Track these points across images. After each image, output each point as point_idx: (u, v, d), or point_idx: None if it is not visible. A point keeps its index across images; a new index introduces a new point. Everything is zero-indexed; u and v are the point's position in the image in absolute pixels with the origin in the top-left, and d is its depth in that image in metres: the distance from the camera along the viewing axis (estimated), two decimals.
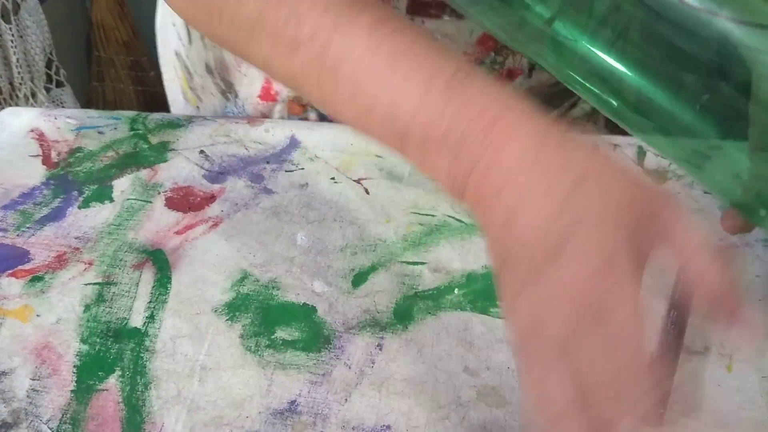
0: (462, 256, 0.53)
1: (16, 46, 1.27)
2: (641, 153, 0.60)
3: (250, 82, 0.66)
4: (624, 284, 0.28)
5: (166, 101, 0.78)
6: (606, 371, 0.27)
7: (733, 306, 0.29)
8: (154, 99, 1.74)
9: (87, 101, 1.79)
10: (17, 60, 1.28)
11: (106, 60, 1.77)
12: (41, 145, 0.60)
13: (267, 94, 0.66)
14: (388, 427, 0.43)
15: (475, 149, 0.30)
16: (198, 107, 0.72)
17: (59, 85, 1.51)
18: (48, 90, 1.48)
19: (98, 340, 0.46)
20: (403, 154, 0.33)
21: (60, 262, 0.51)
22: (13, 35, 1.26)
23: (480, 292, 0.50)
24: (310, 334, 0.47)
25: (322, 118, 0.66)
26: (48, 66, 1.49)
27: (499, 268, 0.31)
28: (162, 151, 0.60)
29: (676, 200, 0.30)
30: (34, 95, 1.39)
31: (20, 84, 1.35)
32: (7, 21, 1.24)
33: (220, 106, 0.68)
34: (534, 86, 0.62)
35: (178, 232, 0.53)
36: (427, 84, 0.31)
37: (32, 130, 0.61)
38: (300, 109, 0.66)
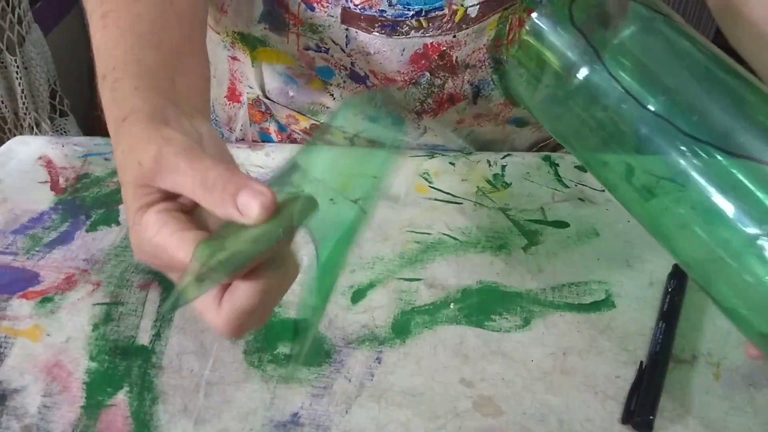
0: (457, 272, 0.54)
1: (20, 78, 1.30)
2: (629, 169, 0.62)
3: (218, 84, 0.69)
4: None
5: None
6: None
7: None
8: None
9: (90, 129, 1.82)
10: (22, 91, 1.30)
11: None
12: (49, 172, 0.62)
13: (233, 95, 0.69)
14: None
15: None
16: None
17: (63, 114, 1.54)
18: (52, 120, 1.50)
19: (107, 357, 0.48)
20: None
21: (69, 283, 0.52)
22: (18, 67, 1.29)
23: (475, 307, 0.52)
24: (310, 349, 0.49)
25: (281, 128, 0.68)
26: (52, 96, 1.52)
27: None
28: None
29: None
30: (38, 125, 1.42)
31: (25, 114, 1.37)
32: (12, 53, 1.28)
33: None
34: (484, 114, 0.64)
35: None
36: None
37: (40, 158, 0.63)
38: (260, 117, 0.68)
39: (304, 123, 0.68)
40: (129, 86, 0.38)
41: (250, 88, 0.67)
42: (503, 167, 0.64)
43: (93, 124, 1.83)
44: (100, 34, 0.42)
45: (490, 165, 0.64)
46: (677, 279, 0.52)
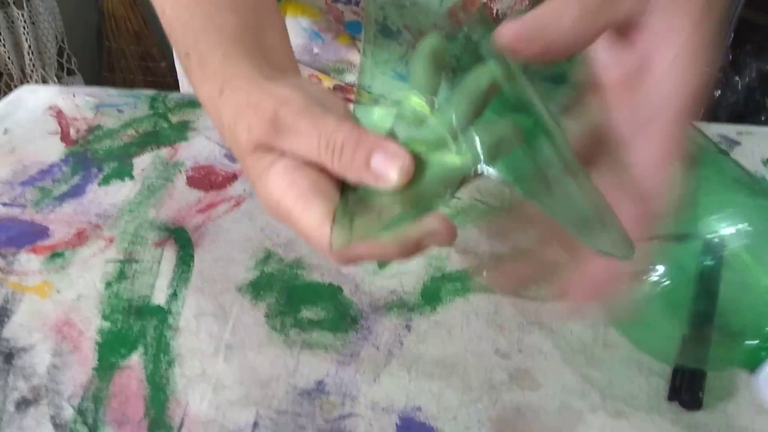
0: (489, 239, 0.51)
1: (28, 33, 1.27)
2: None
3: None
4: None
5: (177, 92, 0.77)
6: None
7: None
8: (165, 90, 1.73)
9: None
10: (29, 46, 1.27)
11: (116, 50, 1.76)
12: (60, 123, 0.59)
13: None
14: (419, 408, 0.41)
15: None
16: None
17: (70, 73, 1.50)
18: (59, 78, 1.47)
19: (120, 317, 0.45)
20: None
21: (80, 238, 0.50)
22: (25, 21, 1.25)
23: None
24: (336, 314, 0.46)
25: None
26: (59, 54, 1.48)
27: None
28: (182, 130, 0.58)
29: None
30: (45, 82, 1.38)
31: (32, 71, 1.34)
32: (20, 7, 1.24)
33: None
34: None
35: (200, 211, 0.52)
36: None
37: (50, 108, 0.60)
38: None
39: (327, 83, 0.64)
40: (217, 57, 0.35)
41: None
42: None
43: (101, 84, 1.80)
44: (170, 8, 0.38)
45: None
46: (712, 252, 0.49)
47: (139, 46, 1.75)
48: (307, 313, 0.46)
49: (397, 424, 0.41)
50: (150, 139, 0.57)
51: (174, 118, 0.59)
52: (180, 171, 0.55)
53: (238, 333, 0.45)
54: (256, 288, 0.47)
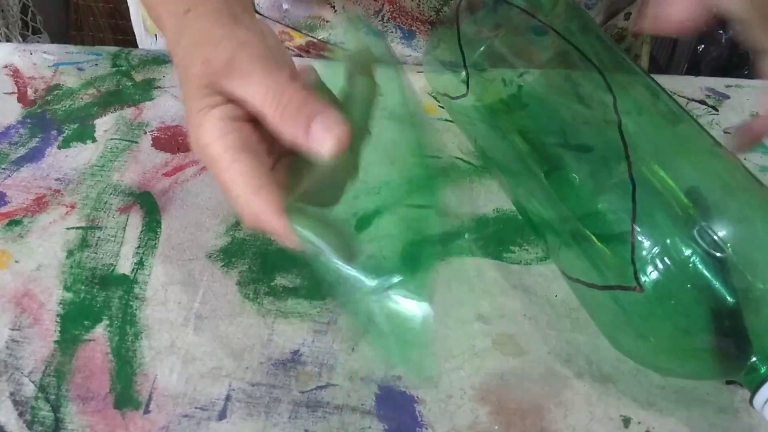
0: (471, 200, 0.49)
1: None
2: None
3: None
4: None
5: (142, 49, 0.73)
6: None
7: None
8: (134, 48, 1.68)
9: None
10: None
11: (84, 7, 1.70)
12: (16, 82, 0.56)
13: None
14: (399, 377, 0.40)
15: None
16: (156, 35, 0.67)
17: (36, 32, 1.44)
18: (24, 37, 1.41)
19: (83, 287, 0.43)
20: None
21: (39, 205, 0.47)
22: None
23: (491, 237, 0.47)
24: (312, 280, 0.44)
25: None
26: (23, 12, 1.42)
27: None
28: (147, 89, 0.55)
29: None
30: (9, 41, 1.33)
31: None
32: None
33: None
34: (503, 22, 0.57)
35: (166, 174, 0.49)
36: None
37: (6, 66, 0.57)
38: None
39: (299, 40, 0.61)
40: None
41: None
42: (520, 87, 0.58)
43: (68, 42, 1.74)
44: None
45: (505, 84, 0.58)
46: (701, 207, 0.47)
47: (108, 3, 1.69)
48: (281, 280, 0.44)
49: (376, 394, 0.39)
50: (113, 99, 0.54)
51: (138, 76, 0.56)
52: (145, 132, 0.52)
53: (208, 302, 0.42)
54: (228, 254, 0.45)
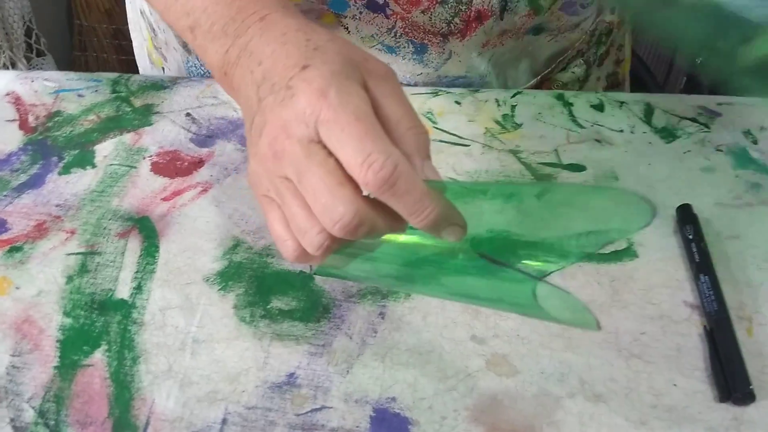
0: (465, 220, 0.50)
1: None
2: (649, 109, 0.58)
3: None
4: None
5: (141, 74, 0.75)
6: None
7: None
8: (137, 68, 1.69)
9: (70, 70, 1.74)
10: None
11: (87, 29, 1.72)
12: (18, 109, 0.57)
13: None
14: (393, 399, 0.40)
15: (248, 35, 0.37)
16: (163, 68, 0.69)
17: (40, 54, 1.46)
18: (28, 59, 1.43)
19: (82, 312, 0.43)
20: (192, 45, 0.41)
21: (40, 231, 0.48)
22: None
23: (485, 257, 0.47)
24: (307, 303, 0.45)
25: None
26: (28, 35, 1.44)
27: (248, 133, 0.36)
28: (146, 114, 0.56)
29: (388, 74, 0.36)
30: (14, 64, 1.34)
31: None
32: None
33: (183, 61, 0.65)
34: (509, 29, 0.58)
35: (165, 199, 0.50)
36: None
37: (8, 94, 0.58)
38: None
39: None
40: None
41: None
42: (513, 107, 0.58)
43: (72, 65, 1.75)
44: None
45: (498, 104, 0.59)
46: (692, 224, 0.48)
47: (111, 24, 1.71)
48: (277, 303, 0.45)
49: (371, 416, 0.40)
50: (112, 125, 0.55)
51: (137, 102, 0.57)
52: (144, 157, 0.53)
53: (205, 326, 0.43)
54: (224, 278, 0.45)
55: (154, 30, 0.66)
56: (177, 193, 0.50)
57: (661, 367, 0.41)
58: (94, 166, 0.52)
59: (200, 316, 0.44)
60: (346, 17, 0.56)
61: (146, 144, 0.54)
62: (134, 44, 0.73)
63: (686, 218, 0.48)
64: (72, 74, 0.60)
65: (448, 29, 0.57)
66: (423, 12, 0.55)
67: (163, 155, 0.53)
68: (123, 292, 0.45)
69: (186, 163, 0.52)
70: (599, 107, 0.58)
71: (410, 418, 0.39)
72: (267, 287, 0.45)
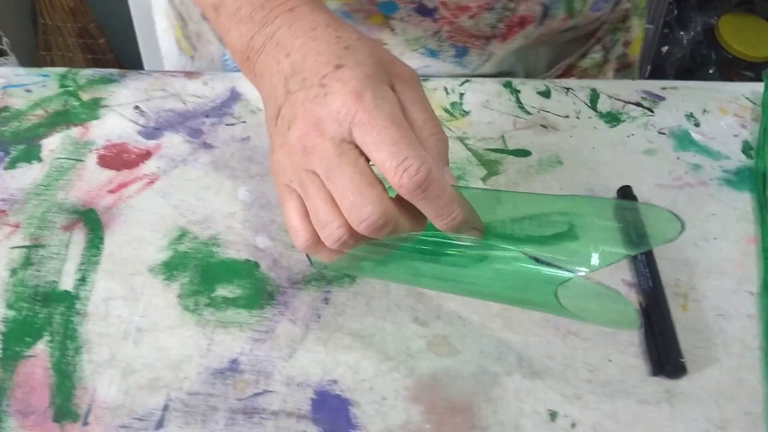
0: None
1: None
2: (594, 94, 0.59)
3: None
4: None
5: (118, 69, 0.74)
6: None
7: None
8: (106, 67, 1.68)
9: (19, 67, 1.72)
10: None
11: (52, 28, 1.70)
12: None
13: None
14: (335, 381, 0.41)
15: (275, 24, 0.37)
16: (192, 57, 0.69)
17: (2, 54, 1.45)
18: None
19: (25, 305, 0.43)
20: (214, 24, 0.41)
21: None
22: None
23: (429, 241, 0.48)
24: (252, 290, 0.45)
25: None
26: None
27: (270, 120, 0.37)
28: (94, 108, 0.56)
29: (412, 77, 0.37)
30: None
31: None
32: None
33: (218, 53, 0.65)
34: (545, 33, 0.60)
35: (111, 191, 0.50)
36: None
37: None
38: None
39: None
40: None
41: None
42: (461, 95, 0.59)
43: (38, 65, 1.74)
44: None
45: (447, 92, 0.59)
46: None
47: (76, 23, 1.69)
48: (222, 291, 0.45)
49: (312, 399, 0.40)
50: (60, 119, 0.55)
51: (85, 96, 0.57)
52: (91, 150, 0.53)
53: (149, 315, 0.43)
54: (169, 268, 0.46)
55: (183, 20, 0.66)
56: (123, 186, 0.50)
57: (597, 343, 0.42)
58: (40, 160, 0.52)
59: (144, 305, 0.44)
60: (394, 19, 0.57)
61: (93, 137, 0.54)
62: (157, 26, 0.73)
63: (625, 199, 0.49)
64: (20, 70, 0.60)
65: (491, 33, 0.58)
66: (470, 17, 0.56)
67: (111, 148, 0.53)
68: (67, 283, 0.45)
69: (133, 156, 0.53)
70: (546, 93, 0.59)
71: (351, 399, 0.40)
72: (212, 276, 0.45)
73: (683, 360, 0.40)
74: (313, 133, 0.34)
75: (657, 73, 1.66)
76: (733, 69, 1.52)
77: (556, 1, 0.57)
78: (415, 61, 0.60)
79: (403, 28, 0.58)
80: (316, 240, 0.36)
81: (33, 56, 1.72)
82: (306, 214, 0.36)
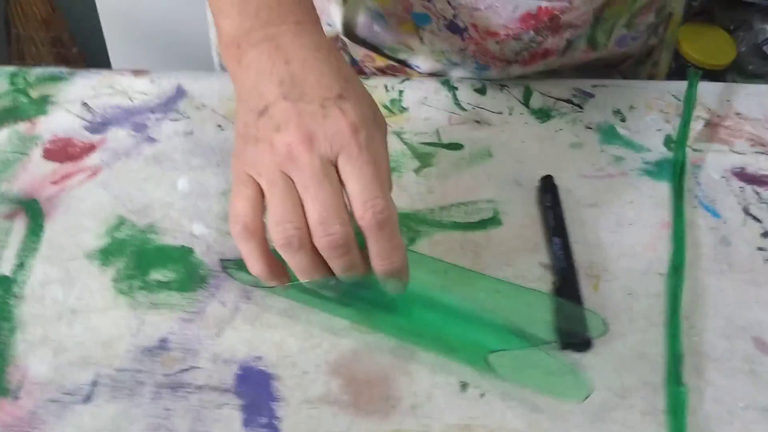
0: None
1: None
2: (528, 92, 0.61)
3: None
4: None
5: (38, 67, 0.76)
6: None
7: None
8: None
9: None
10: None
11: (25, 37, 1.71)
12: None
13: None
14: (260, 357, 0.43)
15: (280, 29, 0.40)
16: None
17: None
18: None
19: None
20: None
21: None
22: None
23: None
24: (185, 274, 0.47)
25: (353, 62, 0.65)
26: None
27: (247, 112, 0.39)
28: (42, 105, 0.58)
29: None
30: None
31: None
32: None
33: None
34: (566, 63, 0.63)
35: (54, 182, 0.52)
36: None
37: None
38: None
39: (381, 62, 0.65)
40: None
41: (329, 25, 0.64)
42: (401, 92, 0.62)
43: None
44: None
45: (387, 90, 0.62)
46: (551, 193, 0.51)
47: (49, 32, 1.71)
48: (156, 276, 0.47)
49: (236, 374, 0.42)
50: (8, 115, 0.57)
51: (34, 93, 0.59)
52: (37, 144, 0.55)
53: (83, 298, 0.45)
54: (106, 254, 0.48)
55: None
56: (66, 177, 0.52)
57: (511, 318, 0.44)
58: None
59: (79, 289, 0.46)
60: (425, 30, 0.59)
61: (40, 132, 0.56)
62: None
63: (546, 188, 0.52)
64: None
65: (514, 58, 0.60)
66: (497, 42, 0.58)
67: (56, 142, 0.55)
68: (5, 268, 0.46)
69: (77, 149, 0.54)
70: (481, 91, 0.62)
71: (274, 373, 0.42)
72: (147, 261, 0.47)
73: (589, 335, 0.43)
74: (303, 145, 0.36)
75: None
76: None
77: (579, 38, 0.60)
78: (436, 66, 0.63)
79: (431, 40, 0.61)
80: (252, 230, 0.38)
81: (6, 66, 1.73)
82: (256, 203, 0.38)
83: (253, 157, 0.38)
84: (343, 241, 0.36)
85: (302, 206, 0.36)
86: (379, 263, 0.38)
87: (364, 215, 0.36)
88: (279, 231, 0.37)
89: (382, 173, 0.37)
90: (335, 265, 0.38)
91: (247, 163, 0.38)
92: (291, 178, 0.37)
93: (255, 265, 0.39)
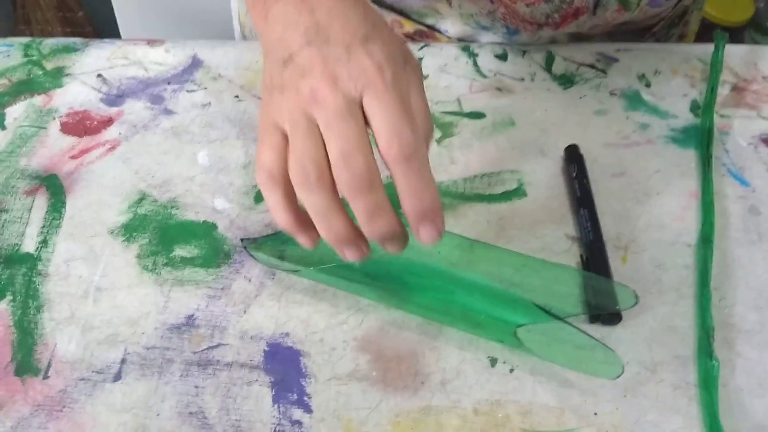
0: None
1: None
2: (550, 57, 0.60)
3: None
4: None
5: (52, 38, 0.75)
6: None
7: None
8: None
9: None
10: None
11: (31, 2, 1.69)
12: None
13: None
14: (287, 334, 0.43)
15: None
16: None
17: None
18: None
19: None
20: None
21: None
22: None
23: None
24: (209, 250, 0.47)
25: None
26: None
27: (275, 63, 0.38)
28: (57, 77, 0.57)
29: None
30: None
31: None
32: None
33: None
34: (598, 24, 0.61)
35: (73, 157, 0.51)
36: None
37: None
38: None
39: (409, 27, 0.63)
40: None
41: None
42: (420, 59, 0.60)
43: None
44: None
45: None
46: (576, 163, 0.50)
47: None
48: (180, 252, 0.46)
49: (264, 351, 0.42)
50: (23, 88, 0.56)
51: (49, 65, 0.58)
52: (54, 118, 0.54)
53: (108, 275, 0.45)
54: (129, 230, 0.47)
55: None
56: (85, 151, 0.52)
57: (539, 294, 0.44)
58: (3, 128, 0.53)
59: (103, 266, 0.45)
60: None
61: (56, 105, 0.55)
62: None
63: (572, 158, 0.51)
64: None
65: (545, 21, 0.59)
66: (527, 5, 0.57)
67: (73, 115, 0.54)
68: (29, 246, 0.46)
69: (95, 122, 0.54)
70: (503, 56, 0.60)
71: (302, 350, 0.42)
72: (170, 237, 0.47)
73: (619, 308, 0.42)
74: (328, 87, 0.35)
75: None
76: (709, 34, 1.53)
77: None
78: (465, 30, 0.61)
79: (460, 3, 0.59)
80: (278, 177, 0.36)
81: (11, 30, 1.71)
82: (281, 150, 0.36)
83: (279, 105, 0.37)
84: (367, 175, 0.34)
85: (324, 147, 0.35)
86: (408, 203, 0.35)
87: (389, 150, 0.34)
88: (297, 168, 0.35)
89: (412, 112, 0.35)
90: (358, 207, 0.35)
91: (272, 112, 0.37)
92: (315, 121, 0.35)
93: (280, 215, 0.37)
